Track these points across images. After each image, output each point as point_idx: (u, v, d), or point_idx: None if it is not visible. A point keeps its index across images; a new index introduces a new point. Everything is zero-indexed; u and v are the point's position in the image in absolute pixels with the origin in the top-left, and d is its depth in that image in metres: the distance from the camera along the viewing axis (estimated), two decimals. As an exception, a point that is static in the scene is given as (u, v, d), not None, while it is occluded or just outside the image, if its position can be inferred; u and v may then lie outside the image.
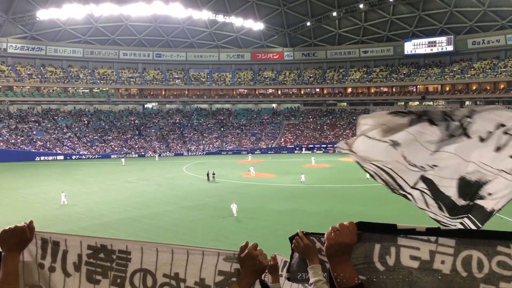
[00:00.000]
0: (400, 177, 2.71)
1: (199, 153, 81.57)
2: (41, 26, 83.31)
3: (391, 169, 2.70)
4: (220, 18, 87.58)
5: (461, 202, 2.63)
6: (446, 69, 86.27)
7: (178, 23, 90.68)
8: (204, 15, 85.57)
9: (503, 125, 2.47)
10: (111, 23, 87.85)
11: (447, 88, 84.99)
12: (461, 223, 2.65)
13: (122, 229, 28.77)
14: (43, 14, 77.86)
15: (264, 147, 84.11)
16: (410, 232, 1.97)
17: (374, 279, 1.99)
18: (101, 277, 2.35)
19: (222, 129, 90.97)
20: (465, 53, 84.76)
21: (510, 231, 1.89)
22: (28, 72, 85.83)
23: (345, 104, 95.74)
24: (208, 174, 49.16)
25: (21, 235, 2.25)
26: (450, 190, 2.66)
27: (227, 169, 57.32)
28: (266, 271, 3.21)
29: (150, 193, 41.64)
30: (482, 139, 2.50)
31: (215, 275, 2.27)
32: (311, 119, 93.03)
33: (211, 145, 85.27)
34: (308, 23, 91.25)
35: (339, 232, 1.98)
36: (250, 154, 74.14)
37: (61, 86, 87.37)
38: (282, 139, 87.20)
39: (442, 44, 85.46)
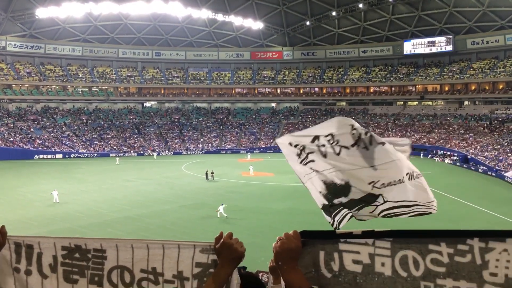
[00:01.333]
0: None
1: (198, 152, 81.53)
2: (40, 24, 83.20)
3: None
4: (220, 17, 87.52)
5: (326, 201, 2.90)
6: (445, 69, 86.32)
7: (177, 22, 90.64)
8: (204, 14, 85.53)
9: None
10: (110, 22, 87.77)
11: (446, 88, 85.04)
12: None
13: (121, 228, 28.79)
14: (42, 12, 77.76)
15: (263, 146, 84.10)
16: (348, 236, 2.07)
17: (324, 286, 2.07)
18: (78, 276, 2.38)
19: (221, 128, 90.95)
20: (464, 53, 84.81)
21: (439, 230, 1.98)
22: (27, 71, 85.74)
23: (344, 103, 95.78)
24: (207, 173, 49.18)
25: None
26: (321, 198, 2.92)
27: (226, 168, 57.32)
28: (264, 272, 3.24)
29: (149, 192, 41.66)
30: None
31: (193, 267, 2.31)
32: (310, 119, 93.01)
33: (210, 144, 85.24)
34: (308, 23, 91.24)
35: (284, 239, 2.07)
36: (249, 153, 74.16)
37: (60, 84, 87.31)
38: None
39: (441, 44, 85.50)
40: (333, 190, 2.86)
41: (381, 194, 2.82)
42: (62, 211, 33.47)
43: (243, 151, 79.24)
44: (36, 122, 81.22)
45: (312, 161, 2.94)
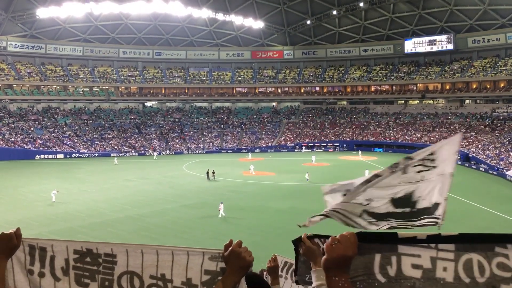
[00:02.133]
0: (348, 212, 2.92)
1: (199, 151, 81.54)
2: (41, 24, 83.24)
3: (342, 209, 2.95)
4: (220, 16, 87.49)
5: (399, 210, 2.87)
6: (446, 68, 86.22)
7: (178, 22, 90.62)
8: (204, 13, 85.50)
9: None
10: (111, 22, 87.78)
11: (447, 87, 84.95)
12: (425, 223, 2.85)
13: (122, 227, 28.80)
14: (43, 13, 77.77)
15: (264, 145, 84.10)
16: (412, 241, 1.93)
17: None
18: (89, 280, 2.39)
19: (222, 127, 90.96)
20: (465, 51, 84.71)
21: (506, 233, 1.89)
22: (28, 71, 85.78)
23: (345, 102, 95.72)
24: (208, 173, 49.18)
25: (8, 242, 2.28)
26: (385, 207, 2.87)
27: (227, 168, 57.33)
28: (266, 272, 3.22)
29: (150, 192, 41.67)
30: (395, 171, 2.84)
31: (201, 274, 2.30)
32: (311, 118, 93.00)
33: (211, 144, 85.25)
34: (308, 22, 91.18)
35: (340, 244, 1.85)
36: (250, 153, 74.17)
37: (61, 84, 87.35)
38: (282, 138, 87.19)
39: (442, 42, 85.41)
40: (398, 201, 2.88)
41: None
42: (63, 211, 33.49)
43: (244, 151, 79.24)
44: (37, 122, 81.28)
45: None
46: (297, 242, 2.33)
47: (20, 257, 2.38)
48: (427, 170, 2.90)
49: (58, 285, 2.39)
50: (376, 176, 2.79)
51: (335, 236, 1.89)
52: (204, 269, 2.30)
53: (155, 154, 76.68)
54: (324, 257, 1.86)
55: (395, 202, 2.88)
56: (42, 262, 2.40)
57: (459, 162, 62.26)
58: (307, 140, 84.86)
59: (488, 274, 1.84)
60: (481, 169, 56.36)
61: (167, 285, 2.33)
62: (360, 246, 1.90)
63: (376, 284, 1.92)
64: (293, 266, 5.72)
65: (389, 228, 2.80)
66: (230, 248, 2.24)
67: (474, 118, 76.73)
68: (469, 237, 1.91)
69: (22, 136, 76.02)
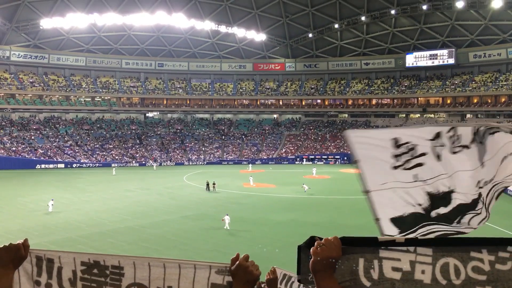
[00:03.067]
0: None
1: (200, 162, 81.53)
2: (45, 34, 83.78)
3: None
4: (223, 28, 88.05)
5: (442, 211, 2.74)
6: (447, 82, 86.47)
7: (180, 33, 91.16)
8: (207, 25, 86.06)
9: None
10: (114, 33, 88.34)
11: (448, 101, 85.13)
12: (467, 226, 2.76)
13: (122, 238, 28.68)
14: (47, 23, 78.30)
15: (265, 157, 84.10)
16: (390, 244, 2.02)
17: None
18: None
19: (223, 139, 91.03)
20: (467, 66, 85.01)
21: (480, 237, 1.95)
22: (31, 80, 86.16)
23: (346, 115, 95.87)
24: (208, 184, 49.10)
25: (16, 253, 2.28)
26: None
27: (227, 179, 57.25)
28: (264, 284, 3.21)
29: (150, 202, 41.58)
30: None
31: None
32: (312, 130, 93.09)
33: (211, 155, 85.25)
34: (310, 35, 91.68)
35: (325, 246, 2.00)
36: (250, 164, 74.13)
37: (63, 94, 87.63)
38: (283, 150, 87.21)
39: (444, 57, 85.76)
40: (435, 200, 2.73)
41: (481, 193, 2.69)
42: (63, 221, 33.40)
43: (244, 162, 79.23)
44: (38, 132, 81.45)
45: (420, 165, 2.72)
46: (306, 245, 2.34)
47: (27, 268, 2.38)
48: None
49: None
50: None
51: (321, 240, 2.03)
52: (211, 283, 2.29)
53: (155, 164, 76.63)
54: (311, 260, 2.00)
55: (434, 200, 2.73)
56: (49, 274, 2.40)
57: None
58: (308, 152, 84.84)
59: (464, 276, 1.91)
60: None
61: None
62: (344, 250, 2.02)
63: (360, 287, 2.01)
64: (293, 279, 5.69)
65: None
66: (237, 262, 2.24)
67: (475, 132, 76.64)
68: (445, 241, 2.01)
69: (23, 146, 76.11)
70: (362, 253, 2.02)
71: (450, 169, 2.68)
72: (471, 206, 2.73)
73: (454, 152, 2.64)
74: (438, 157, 2.69)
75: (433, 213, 2.72)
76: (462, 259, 1.93)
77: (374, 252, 2.01)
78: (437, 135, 2.67)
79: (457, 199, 2.72)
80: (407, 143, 2.71)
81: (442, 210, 2.72)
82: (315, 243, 2.03)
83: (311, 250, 2.03)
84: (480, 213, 2.74)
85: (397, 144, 2.73)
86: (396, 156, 2.74)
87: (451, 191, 2.70)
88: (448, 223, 2.75)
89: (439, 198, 2.71)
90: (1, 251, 2.24)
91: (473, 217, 2.73)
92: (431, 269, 1.95)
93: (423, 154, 2.70)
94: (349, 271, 2.02)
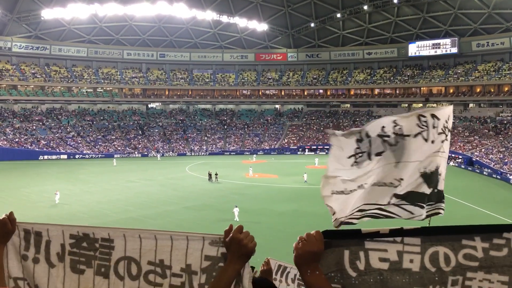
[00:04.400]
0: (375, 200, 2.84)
1: (202, 153, 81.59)
2: (46, 25, 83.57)
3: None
4: (224, 18, 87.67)
5: (429, 191, 2.81)
6: (450, 71, 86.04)
7: (182, 24, 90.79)
8: (208, 15, 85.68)
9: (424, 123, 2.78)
10: (115, 23, 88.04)
11: (451, 90, 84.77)
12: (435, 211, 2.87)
13: (125, 228, 28.79)
14: (48, 14, 78.10)
15: (267, 148, 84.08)
16: (375, 235, 2.02)
17: (348, 286, 2.03)
18: (85, 266, 2.32)
19: (225, 129, 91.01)
20: (470, 55, 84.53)
21: (472, 225, 1.94)
22: (33, 71, 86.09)
23: (348, 105, 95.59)
24: (210, 174, 49.18)
25: (2, 227, 2.24)
26: (422, 187, 2.81)
27: (230, 170, 57.31)
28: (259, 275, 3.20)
29: (152, 193, 41.69)
30: (423, 138, 2.76)
31: (202, 260, 2.24)
32: (314, 120, 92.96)
33: (214, 146, 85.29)
34: (312, 24, 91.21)
35: (306, 241, 2.02)
36: (254, 155, 74.22)
37: (65, 85, 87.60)
38: (285, 140, 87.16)
39: (446, 46, 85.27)
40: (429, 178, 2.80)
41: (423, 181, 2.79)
42: (66, 212, 33.56)
43: (247, 153, 79.27)
44: (41, 123, 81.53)
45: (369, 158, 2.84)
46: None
47: (15, 242, 2.31)
48: (446, 140, 2.89)
49: (52, 272, 2.32)
50: (400, 134, 2.70)
51: (303, 235, 2.06)
52: (204, 255, 2.23)
53: (159, 155, 76.79)
54: (294, 254, 2.05)
55: (428, 179, 2.80)
56: (37, 247, 2.33)
57: (462, 166, 62.14)
58: (310, 142, 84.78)
59: (454, 263, 1.93)
60: (484, 173, 56.18)
61: (165, 272, 2.26)
62: (329, 243, 2.04)
63: (347, 278, 2.03)
64: (288, 269, 5.71)
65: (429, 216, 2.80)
66: (231, 234, 2.18)
67: (477, 122, 76.53)
68: (433, 230, 2.00)
69: (26, 137, 76.24)
70: (347, 246, 2.04)
71: (397, 158, 2.75)
72: (418, 195, 2.78)
73: (397, 142, 2.73)
74: (384, 149, 2.77)
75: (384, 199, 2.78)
76: (453, 247, 1.93)
77: (360, 244, 2.03)
78: (382, 129, 2.75)
79: (405, 187, 2.77)
80: (362, 140, 2.81)
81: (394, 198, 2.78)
82: (298, 238, 2.06)
83: (293, 245, 2.06)
84: (424, 207, 2.78)
85: (357, 143, 2.84)
86: (351, 156, 2.88)
87: (400, 179, 2.76)
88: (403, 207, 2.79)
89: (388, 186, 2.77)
90: None
91: (419, 207, 2.77)
92: (419, 258, 1.96)
93: (372, 150, 2.80)
94: (334, 262, 2.04)
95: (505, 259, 1.89)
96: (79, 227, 2.35)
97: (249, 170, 53.56)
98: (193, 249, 2.25)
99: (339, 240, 2.05)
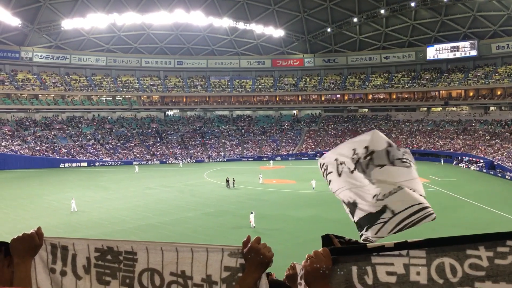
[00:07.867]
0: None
1: (220, 159, 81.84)
2: (66, 35, 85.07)
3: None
4: (241, 25, 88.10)
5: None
6: (469, 74, 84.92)
7: (199, 31, 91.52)
8: (225, 22, 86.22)
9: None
10: (133, 32, 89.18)
11: (471, 94, 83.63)
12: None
13: (144, 235, 29.01)
14: (68, 24, 79.55)
15: (284, 153, 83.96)
16: (380, 250, 2.05)
17: None
18: (110, 278, 2.40)
19: (243, 135, 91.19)
20: (489, 57, 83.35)
21: (476, 234, 1.93)
22: (53, 81, 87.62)
23: (366, 110, 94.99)
24: (227, 181, 49.28)
25: (30, 242, 2.32)
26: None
27: (248, 176, 57.35)
28: (285, 280, 3.21)
29: (171, 200, 41.94)
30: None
31: (221, 271, 2.29)
32: (332, 126, 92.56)
33: (231, 152, 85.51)
34: (329, 29, 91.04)
35: (314, 258, 2.05)
36: (271, 161, 74.20)
37: (85, 94, 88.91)
38: (303, 146, 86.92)
39: (466, 49, 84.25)
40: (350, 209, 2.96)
41: (386, 205, 2.78)
42: (86, 219, 33.95)
43: (264, 159, 79.26)
44: (61, 131, 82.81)
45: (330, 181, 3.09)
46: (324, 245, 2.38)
47: (43, 256, 2.41)
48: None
49: (80, 284, 2.41)
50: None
51: (311, 254, 2.09)
52: (224, 266, 2.29)
53: (181, 162, 77.45)
54: (303, 272, 2.07)
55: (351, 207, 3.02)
56: (64, 261, 2.42)
57: (484, 170, 61.13)
58: (328, 148, 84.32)
59: (461, 274, 1.91)
60: (507, 177, 55.12)
61: (187, 282, 2.32)
62: (336, 259, 2.08)
63: None
64: None
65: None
66: (249, 244, 2.23)
67: (499, 125, 75.24)
68: (437, 241, 1.99)
69: (47, 145, 77.50)
70: (355, 261, 2.06)
71: (358, 182, 2.91)
72: (371, 219, 2.85)
73: (352, 171, 2.92)
74: (340, 174, 3.00)
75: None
76: (458, 258, 1.93)
77: (367, 259, 2.05)
78: (354, 151, 2.91)
79: (359, 212, 2.92)
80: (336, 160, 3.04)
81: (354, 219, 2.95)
82: (306, 256, 2.08)
83: (302, 263, 2.10)
84: (388, 221, 2.79)
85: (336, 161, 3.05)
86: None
87: (355, 202, 2.93)
88: (359, 230, 2.91)
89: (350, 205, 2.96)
90: (15, 242, 2.28)
91: (382, 226, 2.80)
92: (426, 270, 1.96)
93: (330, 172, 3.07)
94: (343, 279, 2.06)
95: (510, 267, 1.87)
96: (104, 241, 2.45)
97: (259, 177, 53.17)
98: (213, 260, 2.31)
99: (346, 257, 2.08)
